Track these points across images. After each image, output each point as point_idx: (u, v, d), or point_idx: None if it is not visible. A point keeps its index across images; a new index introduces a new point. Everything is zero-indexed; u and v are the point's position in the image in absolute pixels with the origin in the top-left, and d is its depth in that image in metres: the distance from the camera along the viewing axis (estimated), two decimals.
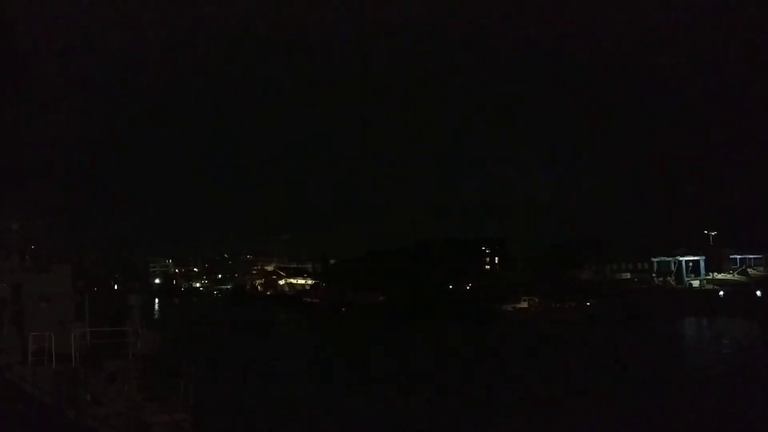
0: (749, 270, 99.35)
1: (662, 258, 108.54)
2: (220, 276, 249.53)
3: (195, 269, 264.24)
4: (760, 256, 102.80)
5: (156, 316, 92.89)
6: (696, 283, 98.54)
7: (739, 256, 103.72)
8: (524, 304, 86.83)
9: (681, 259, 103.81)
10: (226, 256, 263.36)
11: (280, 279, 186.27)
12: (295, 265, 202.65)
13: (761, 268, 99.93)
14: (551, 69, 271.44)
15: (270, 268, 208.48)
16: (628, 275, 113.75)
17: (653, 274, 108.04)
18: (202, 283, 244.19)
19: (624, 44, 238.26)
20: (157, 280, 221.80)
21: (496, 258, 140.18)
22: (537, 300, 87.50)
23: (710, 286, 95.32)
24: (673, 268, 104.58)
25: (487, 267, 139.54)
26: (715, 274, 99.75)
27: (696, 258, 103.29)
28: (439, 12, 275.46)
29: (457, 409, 31.21)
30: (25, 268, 22.53)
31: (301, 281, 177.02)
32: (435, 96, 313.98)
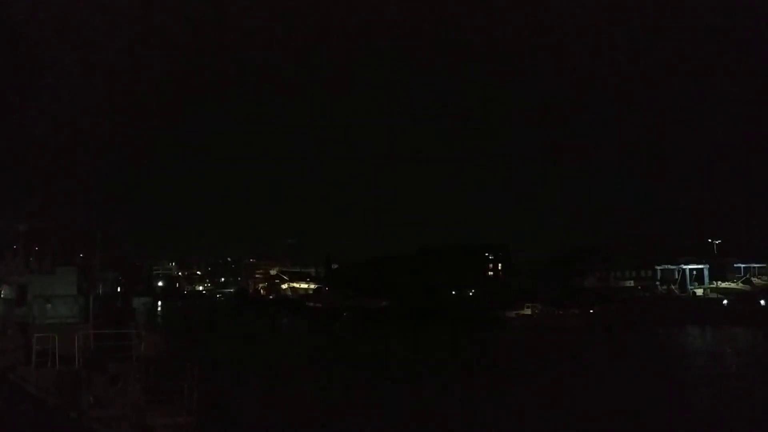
0: (753, 279, 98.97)
1: (666, 266, 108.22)
2: (223, 279, 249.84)
3: (198, 272, 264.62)
4: (764, 264, 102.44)
5: (159, 319, 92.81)
6: (700, 292, 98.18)
7: (743, 265, 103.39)
8: (527, 311, 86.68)
9: (685, 267, 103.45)
10: (229, 259, 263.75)
11: (283, 283, 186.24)
12: (298, 269, 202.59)
13: (765, 277, 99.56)
14: (553, 72, 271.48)
15: (273, 272, 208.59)
16: (632, 283, 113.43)
17: (657, 282, 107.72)
18: (205, 287, 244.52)
19: (627, 46, 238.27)
20: (160, 283, 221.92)
21: (500, 264, 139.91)
22: (540, 307, 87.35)
23: (714, 295, 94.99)
24: (676, 276, 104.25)
25: (490, 273, 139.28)
26: (719, 282, 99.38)
27: (700, 266, 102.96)
28: (441, 12, 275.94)
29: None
30: (31, 269, 22.60)
31: (304, 285, 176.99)
32: (438, 99, 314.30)
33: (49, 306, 20.79)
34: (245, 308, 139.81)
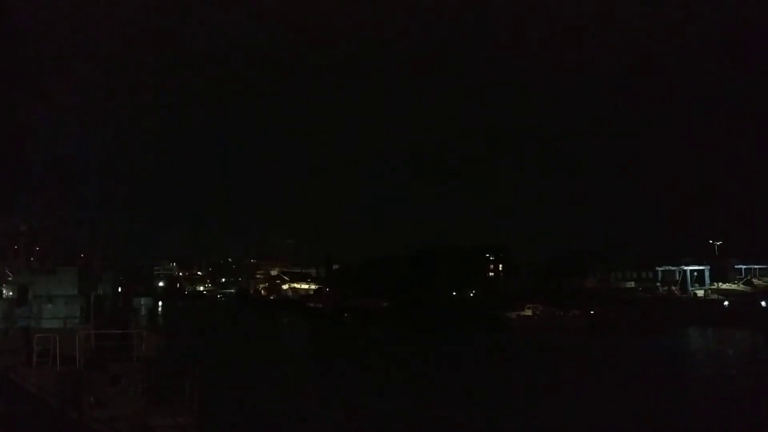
0: (754, 280, 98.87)
1: (667, 267, 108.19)
2: (224, 280, 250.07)
3: (199, 273, 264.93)
4: (765, 266, 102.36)
5: (160, 320, 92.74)
6: (701, 293, 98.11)
7: (744, 266, 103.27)
8: (528, 312, 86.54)
9: (686, 268, 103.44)
10: (230, 260, 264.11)
11: (284, 283, 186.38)
12: (298, 270, 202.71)
13: (766, 279, 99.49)
14: (554, 71, 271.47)
15: (274, 272, 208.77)
16: (633, 284, 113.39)
17: (658, 283, 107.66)
18: (206, 287, 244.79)
19: (629, 45, 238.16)
20: (161, 284, 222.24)
21: (500, 265, 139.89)
22: (541, 307, 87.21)
23: (715, 296, 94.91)
24: (677, 278, 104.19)
25: (491, 274, 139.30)
26: (720, 283, 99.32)
27: (701, 267, 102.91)
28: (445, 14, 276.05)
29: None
30: (32, 270, 22.59)
31: (305, 286, 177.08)
32: (439, 99, 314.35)
33: (49, 306, 20.79)
34: (246, 308, 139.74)
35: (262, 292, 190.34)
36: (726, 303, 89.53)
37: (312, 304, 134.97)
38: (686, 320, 79.62)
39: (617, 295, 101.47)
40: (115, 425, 17.13)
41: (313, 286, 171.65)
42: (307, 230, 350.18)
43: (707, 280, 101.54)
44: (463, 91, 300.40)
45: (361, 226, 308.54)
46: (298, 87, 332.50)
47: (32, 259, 24.36)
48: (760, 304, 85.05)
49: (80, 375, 17.91)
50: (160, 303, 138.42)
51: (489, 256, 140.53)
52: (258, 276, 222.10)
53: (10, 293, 22.07)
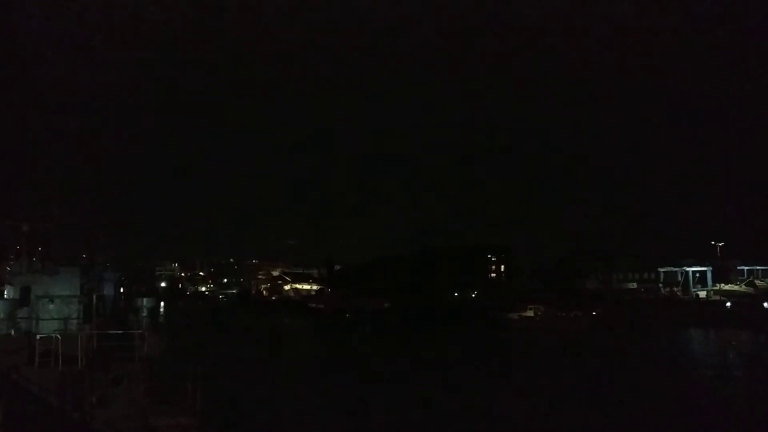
0: (757, 281, 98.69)
1: (669, 268, 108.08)
2: (225, 280, 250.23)
3: (201, 273, 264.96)
4: (767, 267, 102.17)
5: (162, 320, 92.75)
6: (703, 294, 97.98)
7: (746, 268, 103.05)
8: (530, 313, 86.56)
9: (688, 269, 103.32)
10: (231, 260, 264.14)
11: (286, 284, 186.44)
12: (300, 270, 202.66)
13: None
14: (555, 73, 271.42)
15: (275, 273, 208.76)
16: (635, 285, 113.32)
17: (660, 284, 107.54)
18: (207, 287, 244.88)
19: (629, 46, 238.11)
20: (162, 284, 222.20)
21: (502, 266, 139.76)
22: (543, 308, 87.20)
23: (717, 297, 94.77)
24: (679, 279, 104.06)
25: (493, 275, 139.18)
26: (722, 285, 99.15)
27: (703, 269, 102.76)
28: (445, 13, 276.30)
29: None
30: (34, 270, 22.56)
31: (307, 286, 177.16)
32: (441, 99, 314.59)
33: (52, 306, 20.76)
34: (247, 309, 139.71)
35: (264, 292, 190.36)
36: (728, 304, 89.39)
37: (314, 305, 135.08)
38: (688, 321, 79.52)
39: (619, 296, 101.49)
40: (117, 425, 17.14)
41: (314, 287, 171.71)
42: (309, 231, 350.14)
43: (709, 281, 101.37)
44: (465, 91, 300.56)
45: (362, 226, 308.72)
46: (299, 87, 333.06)
47: (34, 259, 24.32)
48: (763, 306, 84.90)
49: (82, 375, 17.91)
50: (162, 303, 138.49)
51: (491, 257, 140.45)
52: (260, 276, 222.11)
53: (12, 294, 22.04)
